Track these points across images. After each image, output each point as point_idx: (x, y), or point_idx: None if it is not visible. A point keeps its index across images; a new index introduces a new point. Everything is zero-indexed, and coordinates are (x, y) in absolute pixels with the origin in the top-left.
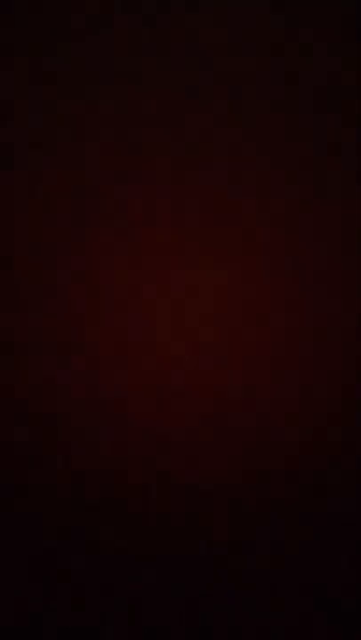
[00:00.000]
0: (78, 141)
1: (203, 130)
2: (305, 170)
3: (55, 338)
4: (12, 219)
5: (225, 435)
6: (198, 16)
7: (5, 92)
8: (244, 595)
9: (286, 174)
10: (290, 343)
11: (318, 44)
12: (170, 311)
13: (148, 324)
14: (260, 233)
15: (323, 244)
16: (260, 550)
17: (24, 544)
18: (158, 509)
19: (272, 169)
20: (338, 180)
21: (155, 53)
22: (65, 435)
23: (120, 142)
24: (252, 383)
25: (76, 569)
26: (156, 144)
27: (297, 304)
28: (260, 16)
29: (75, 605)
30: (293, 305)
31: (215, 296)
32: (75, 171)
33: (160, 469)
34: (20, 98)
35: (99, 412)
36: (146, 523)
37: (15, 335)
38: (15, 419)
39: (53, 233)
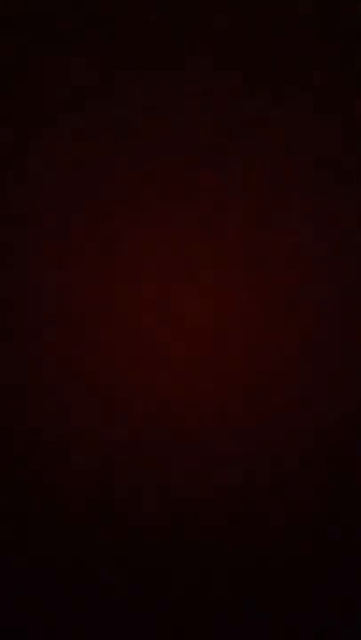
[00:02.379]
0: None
1: (202, 132)
2: (304, 172)
3: (55, 350)
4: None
5: (225, 438)
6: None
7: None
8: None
9: (286, 178)
10: (290, 347)
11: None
12: (169, 314)
13: (148, 329)
14: (259, 240)
15: (322, 247)
16: (260, 552)
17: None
18: (158, 510)
19: (273, 171)
20: (338, 181)
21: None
22: (64, 436)
23: (123, 151)
24: (253, 390)
25: (76, 570)
26: (156, 149)
27: (297, 308)
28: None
29: (74, 606)
30: (293, 308)
31: (215, 307)
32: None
33: (159, 473)
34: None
35: (99, 413)
36: (144, 524)
37: (14, 335)
38: (14, 418)
39: (53, 242)
